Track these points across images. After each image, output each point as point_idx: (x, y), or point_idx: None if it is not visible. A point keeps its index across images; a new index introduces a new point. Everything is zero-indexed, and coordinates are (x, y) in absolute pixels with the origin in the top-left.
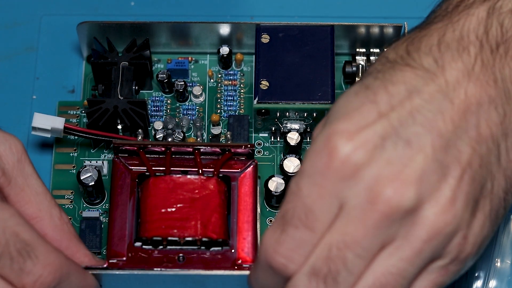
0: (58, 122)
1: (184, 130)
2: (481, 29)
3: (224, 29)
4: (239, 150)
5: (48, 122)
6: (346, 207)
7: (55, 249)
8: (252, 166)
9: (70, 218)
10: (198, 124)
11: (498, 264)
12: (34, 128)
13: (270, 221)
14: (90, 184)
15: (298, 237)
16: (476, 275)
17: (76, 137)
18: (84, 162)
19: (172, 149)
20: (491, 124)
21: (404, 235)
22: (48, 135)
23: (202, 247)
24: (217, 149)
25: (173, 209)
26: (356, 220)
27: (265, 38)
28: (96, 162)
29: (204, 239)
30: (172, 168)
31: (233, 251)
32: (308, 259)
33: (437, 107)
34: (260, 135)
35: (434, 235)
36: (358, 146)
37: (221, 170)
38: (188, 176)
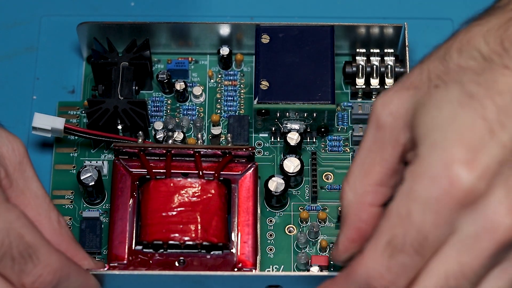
0: (58, 122)
1: (184, 130)
2: None
3: (224, 30)
4: (239, 153)
5: (48, 122)
6: (460, 235)
7: (57, 250)
8: (252, 168)
9: (70, 218)
10: (198, 125)
11: None
12: (35, 128)
13: (270, 221)
14: (90, 184)
15: (407, 264)
16: None
17: (76, 137)
18: (84, 162)
19: (173, 152)
20: None
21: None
22: (49, 135)
23: (203, 251)
24: (218, 152)
25: (174, 213)
26: (473, 249)
27: (265, 39)
28: (96, 162)
29: (204, 243)
30: (172, 171)
31: (233, 254)
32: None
33: None
34: (260, 135)
35: None
36: (480, 175)
37: (221, 172)
38: (189, 179)
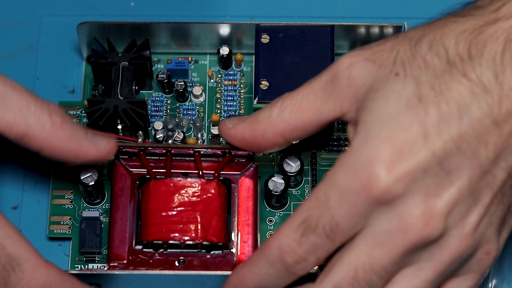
0: None
1: (184, 130)
2: None
3: (224, 30)
4: (239, 153)
5: None
6: (373, 230)
7: (46, 263)
8: (252, 168)
9: (70, 218)
10: (198, 124)
11: (498, 264)
12: None
13: (270, 221)
14: (90, 184)
15: (318, 244)
16: None
17: None
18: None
19: (172, 151)
20: None
21: (427, 258)
22: None
23: (203, 250)
24: (218, 151)
25: (174, 213)
26: (384, 246)
27: (265, 38)
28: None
29: (204, 242)
30: (172, 170)
31: (233, 254)
32: (331, 275)
33: (482, 133)
34: None
35: (457, 257)
36: (399, 179)
37: (221, 172)
38: (189, 179)
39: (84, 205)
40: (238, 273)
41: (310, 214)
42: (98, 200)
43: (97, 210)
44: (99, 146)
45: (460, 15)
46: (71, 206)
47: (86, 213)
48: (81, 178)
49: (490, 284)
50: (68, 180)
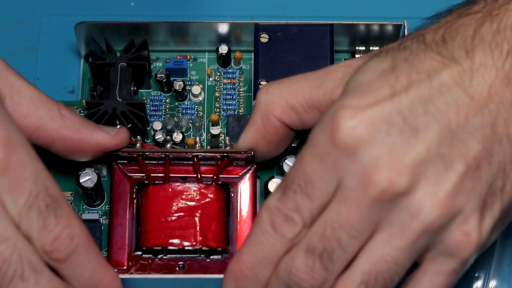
0: None
1: (183, 130)
2: None
3: (223, 28)
4: (238, 156)
5: None
6: (342, 186)
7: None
8: (251, 171)
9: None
10: (197, 124)
11: (498, 264)
12: None
13: None
14: (90, 187)
15: (297, 202)
16: (476, 275)
17: None
18: (83, 164)
19: (171, 156)
20: (510, 123)
21: (399, 223)
22: None
23: (202, 255)
24: (216, 155)
25: (173, 218)
26: (349, 201)
27: (264, 38)
28: (95, 164)
29: (204, 248)
30: (171, 175)
31: None
32: (306, 236)
33: (453, 100)
34: None
35: (428, 226)
36: (360, 123)
37: (220, 176)
38: (187, 184)
39: (84, 207)
40: (235, 256)
41: (289, 173)
42: (98, 202)
43: (97, 212)
44: (110, 132)
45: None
46: None
47: (85, 216)
48: (80, 181)
49: (490, 284)
50: (68, 182)
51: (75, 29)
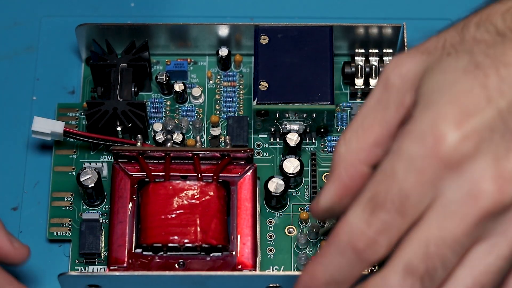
0: (57, 126)
1: (184, 131)
2: None
3: (223, 31)
4: (238, 155)
5: (48, 126)
6: (444, 199)
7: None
8: (251, 170)
9: (70, 220)
10: (197, 126)
11: None
12: (34, 132)
13: (270, 222)
14: (90, 186)
15: (388, 222)
16: None
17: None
18: (84, 164)
19: (171, 154)
20: None
21: (502, 231)
22: (48, 139)
23: (202, 253)
24: (216, 154)
25: (173, 215)
26: (455, 216)
27: (264, 39)
28: (96, 164)
29: (204, 245)
30: (171, 173)
31: (233, 256)
32: (401, 254)
33: None
34: (260, 136)
35: None
36: (467, 136)
37: (220, 175)
38: (188, 182)
39: (84, 207)
40: (308, 270)
41: (377, 190)
42: (98, 202)
43: (97, 212)
44: (14, 243)
45: (501, 1)
46: (70, 208)
47: (86, 215)
48: (81, 180)
49: None
50: (68, 182)
51: (75, 31)
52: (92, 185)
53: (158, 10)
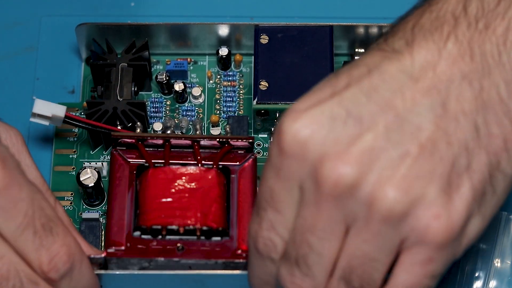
0: (59, 110)
1: (184, 131)
2: (459, 7)
3: (223, 30)
4: (238, 143)
5: (50, 109)
6: (302, 190)
7: (72, 232)
8: (251, 159)
9: (70, 220)
10: (197, 125)
11: (498, 264)
12: (34, 115)
13: None
14: (90, 185)
15: (270, 219)
16: (476, 275)
17: (75, 138)
18: (84, 163)
19: (172, 142)
20: (463, 100)
21: (362, 215)
22: (47, 123)
23: (202, 237)
24: (216, 143)
25: (173, 199)
26: (309, 204)
27: (264, 39)
28: (96, 163)
29: (204, 228)
30: (171, 161)
31: (233, 241)
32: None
33: (397, 86)
34: (260, 135)
35: (389, 214)
36: (303, 125)
37: (220, 163)
38: (188, 167)
39: (84, 207)
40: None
41: (257, 194)
42: (98, 202)
43: (97, 211)
44: None
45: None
46: (70, 207)
47: (85, 215)
48: (81, 179)
49: (490, 284)
50: (68, 182)
51: (75, 30)
52: (92, 184)
53: (158, 10)
